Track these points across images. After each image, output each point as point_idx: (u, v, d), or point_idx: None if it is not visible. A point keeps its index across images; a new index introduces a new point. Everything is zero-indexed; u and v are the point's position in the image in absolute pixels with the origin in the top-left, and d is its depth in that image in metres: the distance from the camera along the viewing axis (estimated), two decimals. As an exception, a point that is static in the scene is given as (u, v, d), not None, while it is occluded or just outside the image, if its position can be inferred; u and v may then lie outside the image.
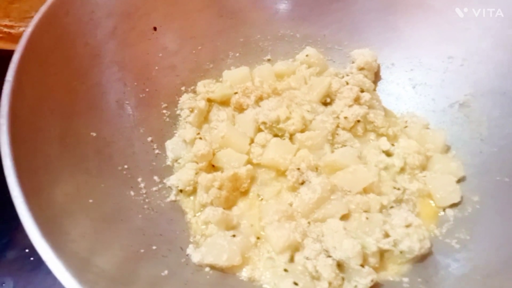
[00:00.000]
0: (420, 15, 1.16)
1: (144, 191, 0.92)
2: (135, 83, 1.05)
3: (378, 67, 1.23)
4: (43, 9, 0.87)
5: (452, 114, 1.10)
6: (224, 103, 1.15)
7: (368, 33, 1.25)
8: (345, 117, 1.07)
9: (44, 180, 0.71)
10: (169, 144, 1.04)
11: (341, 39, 1.28)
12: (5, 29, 1.37)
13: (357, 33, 1.26)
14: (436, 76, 1.15)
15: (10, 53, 0.78)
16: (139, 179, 0.93)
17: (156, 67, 1.11)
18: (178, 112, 1.12)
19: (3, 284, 0.97)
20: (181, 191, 0.96)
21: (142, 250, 0.77)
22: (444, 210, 0.96)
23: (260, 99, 1.12)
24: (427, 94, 1.16)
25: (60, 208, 0.70)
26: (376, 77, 1.23)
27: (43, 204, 0.66)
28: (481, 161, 0.99)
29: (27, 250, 0.99)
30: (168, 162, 1.02)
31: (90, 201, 0.76)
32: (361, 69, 1.18)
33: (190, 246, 0.86)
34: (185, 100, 1.11)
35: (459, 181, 0.99)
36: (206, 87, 1.14)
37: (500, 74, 1.03)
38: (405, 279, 0.84)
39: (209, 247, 0.84)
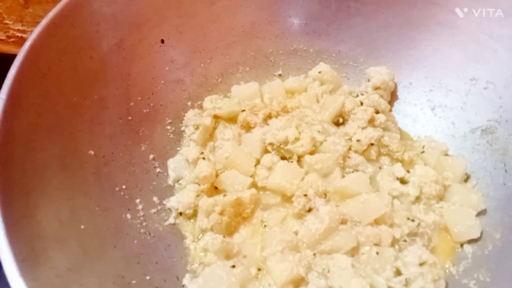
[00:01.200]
0: (444, 33, 1.09)
1: (141, 213, 0.88)
2: (140, 98, 1.02)
3: (395, 86, 1.16)
4: (45, 20, 0.84)
5: (474, 140, 1.03)
6: (231, 120, 1.10)
7: (387, 50, 1.18)
8: (358, 140, 1.01)
9: (37, 205, 0.68)
10: (171, 162, 0.99)
11: (357, 55, 1.22)
12: (18, 34, 1.36)
13: (375, 50, 1.20)
14: (457, 98, 1.08)
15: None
16: (137, 201, 0.89)
17: (162, 81, 1.08)
18: (183, 128, 1.08)
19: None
20: (180, 214, 0.91)
21: (134, 281, 0.72)
22: (462, 246, 0.89)
23: (268, 117, 1.07)
24: (447, 117, 1.09)
25: (51, 238, 0.66)
26: (393, 97, 1.17)
27: (29, 234, 0.62)
28: (505, 194, 0.92)
29: None
30: (170, 182, 0.98)
31: (82, 227, 0.72)
32: (377, 88, 1.12)
33: (187, 275, 0.81)
34: (191, 116, 1.07)
35: (479, 214, 0.92)
36: (213, 103, 1.10)
37: (527, 100, 0.95)
38: (417, 324, 0.78)
39: (206, 278, 0.79)
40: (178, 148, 1.05)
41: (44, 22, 0.84)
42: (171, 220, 0.91)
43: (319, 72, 1.17)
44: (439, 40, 1.10)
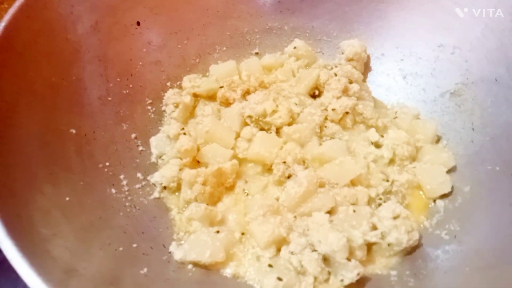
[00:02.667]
0: (411, 3, 1.13)
1: (126, 188, 0.90)
2: (118, 79, 1.04)
3: (368, 57, 1.20)
4: (18, 2, 0.86)
5: (443, 103, 1.07)
6: (211, 98, 1.13)
7: (358, 23, 1.22)
8: (333, 109, 1.04)
9: (19, 178, 0.70)
10: (153, 140, 1.02)
11: (330, 30, 1.25)
12: (-6, 30, 1.35)
13: (347, 24, 1.24)
14: (426, 65, 1.12)
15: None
16: (121, 177, 0.91)
17: (140, 63, 1.10)
18: (163, 108, 1.10)
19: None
20: (165, 188, 0.94)
21: (121, 248, 0.75)
22: (434, 201, 0.94)
23: (247, 93, 1.10)
24: (418, 84, 1.13)
25: (35, 208, 0.68)
26: (366, 68, 1.21)
27: (14, 204, 0.64)
28: (473, 151, 0.96)
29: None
30: (153, 159, 1.00)
31: (67, 199, 0.74)
32: (350, 60, 1.16)
33: (173, 243, 0.84)
34: (170, 95, 1.09)
35: (450, 171, 0.96)
36: (192, 82, 1.12)
37: (491, 61, 1.00)
38: (393, 272, 0.82)
39: (192, 244, 0.82)
40: (160, 128, 1.07)
41: (17, 3, 0.85)
42: (156, 195, 0.94)
43: (294, 48, 1.20)
44: (407, 10, 1.14)
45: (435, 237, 0.86)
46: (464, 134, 1.00)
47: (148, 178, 0.96)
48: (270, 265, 0.81)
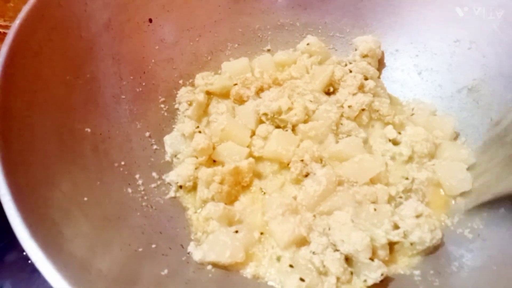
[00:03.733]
0: (425, -3, 1.12)
1: (142, 188, 0.89)
2: (132, 77, 1.02)
3: (382, 54, 1.19)
4: (32, 0, 0.84)
5: (461, 99, 1.06)
6: (224, 95, 1.11)
7: (372, 19, 1.21)
8: (349, 106, 1.03)
9: (38, 177, 0.68)
10: (167, 139, 1.00)
11: (343, 26, 1.24)
12: (0, 30, 1.34)
13: (360, 20, 1.22)
14: (442, 60, 1.11)
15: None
16: (137, 176, 0.90)
17: (153, 60, 1.08)
18: (176, 106, 1.09)
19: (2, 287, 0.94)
20: (180, 187, 0.93)
21: (140, 249, 0.74)
22: (455, 199, 0.92)
23: (260, 90, 1.09)
24: (434, 80, 1.12)
25: (55, 207, 0.67)
26: (380, 64, 1.19)
27: (35, 203, 0.63)
28: (492, 147, 0.95)
29: (25, 253, 0.97)
30: (167, 158, 0.99)
31: (85, 199, 0.73)
32: (365, 56, 1.14)
33: (191, 243, 0.83)
34: (183, 93, 1.08)
35: (470, 168, 0.95)
36: (204, 80, 1.11)
37: (510, 56, 0.98)
38: (417, 272, 0.81)
39: (211, 244, 0.81)
40: (173, 126, 1.06)
41: (31, 1, 0.83)
42: (172, 194, 0.92)
43: (307, 44, 1.18)
44: (421, 5, 1.13)
45: (458, 235, 0.84)
46: (483, 130, 0.99)
47: (164, 177, 0.95)
48: (291, 266, 0.80)
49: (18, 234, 0.54)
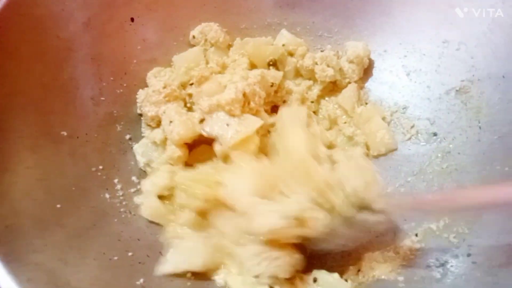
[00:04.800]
0: (415, -3, 1.10)
1: (121, 192, 0.87)
2: (112, 78, 0.99)
3: (370, 62, 1.15)
4: (6, -1, 0.82)
5: (449, 101, 1.04)
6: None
7: (361, 19, 1.18)
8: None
9: (9, 185, 0.66)
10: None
11: (331, 26, 1.21)
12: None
13: (349, 20, 1.19)
14: (431, 61, 1.09)
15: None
16: (116, 180, 0.88)
17: (135, 61, 1.05)
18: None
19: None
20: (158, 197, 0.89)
21: (116, 258, 0.72)
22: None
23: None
24: (422, 81, 1.10)
25: (25, 216, 0.64)
26: (368, 66, 1.16)
27: (4, 211, 0.60)
28: (480, 150, 0.93)
29: None
30: (140, 166, 0.94)
31: (59, 206, 0.71)
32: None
33: (171, 250, 0.80)
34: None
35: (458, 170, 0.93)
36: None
37: (498, 57, 0.97)
38: (401, 278, 0.79)
39: (181, 252, 0.78)
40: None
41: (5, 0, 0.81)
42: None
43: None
44: (411, 5, 1.10)
45: (443, 240, 0.83)
46: (471, 133, 0.97)
47: (139, 186, 0.90)
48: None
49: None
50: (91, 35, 0.97)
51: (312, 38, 1.22)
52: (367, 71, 1.16)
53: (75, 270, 0.63)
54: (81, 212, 0.75)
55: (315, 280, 0.76)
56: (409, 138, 1.04)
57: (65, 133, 0.83)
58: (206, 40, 1.10)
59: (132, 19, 1.05)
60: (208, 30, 1.11)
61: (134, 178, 0.91)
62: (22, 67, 0.81)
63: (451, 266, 0.77)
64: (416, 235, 0.86)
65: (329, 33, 1.22)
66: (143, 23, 1.07)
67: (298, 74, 1.15)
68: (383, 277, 0.80)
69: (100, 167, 0.87)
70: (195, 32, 1.11)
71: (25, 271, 0.54)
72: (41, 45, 0.86)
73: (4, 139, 0.71)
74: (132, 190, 0.89)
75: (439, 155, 0.98)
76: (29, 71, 0.82)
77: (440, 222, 0.87)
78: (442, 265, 0.78)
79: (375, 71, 1.17)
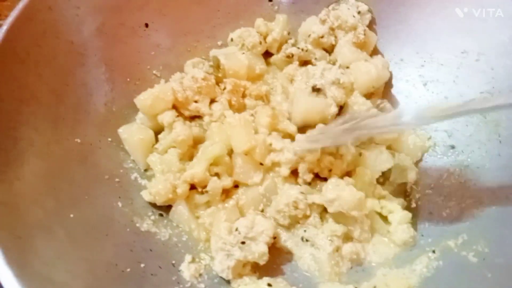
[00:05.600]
0: (433, 6, 1.07)
1: (134, 201, 0.85)
2: (125, 84, 0.98)
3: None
4: (22, 3, 0.81)
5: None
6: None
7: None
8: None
9: (20, 195, 0.65)
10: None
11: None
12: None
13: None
14: (449, 72, 1.06)
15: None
16: (128, 188, 0.86)
17: (148, 66, 1.04)
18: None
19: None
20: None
21: (128, 269, 0.70)
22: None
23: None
24: (439, 92, 1.08)
25: (38, 227, 0.63)
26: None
27: (15, 223, 0.59)
28: (500, 164, 0.91)
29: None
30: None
31: (71, 215, 0.69)
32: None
33: (185, 261, 0.79)
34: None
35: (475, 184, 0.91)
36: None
37: (519, 69, 0.94)
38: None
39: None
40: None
41: (20, 5, 0.80)
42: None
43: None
44: (429, 13, 1.08)
45: (462, 259, 0.80)
46: (490, 147, 0.94)
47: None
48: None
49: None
50: (104, 40, 0.96)
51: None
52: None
53: (87, 284, 0.61)
54: (93, 221, 0.74)
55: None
56: (426, 150, 1.02)
57: (78, 140, 0.82)
58: (243, 44, 1.10)
59: (147, 25, 1.04)
60: (247, 35, 1.10)
61: (147, 186, 0.90)
62: (34, 73, 0.80)
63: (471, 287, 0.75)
64: (434, 251, 0.84)
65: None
66: (157, 28, 1.06)
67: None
68: (397, 294, 0.78)
69: (113, 173, 0.85)
70: (234, 35, 1.11)
71: (37, 285, 0.52)
72: (54, 50, 0.85)
73: (14, 146, 0.70)
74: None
75: (457, 169, 0.96)
76: (42, 77, 0.81)
77: (458, 239, 0.84)
78: (461, 285, 0.76)
79: (390, 80, 1.15)
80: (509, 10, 0.96)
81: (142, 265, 0.74)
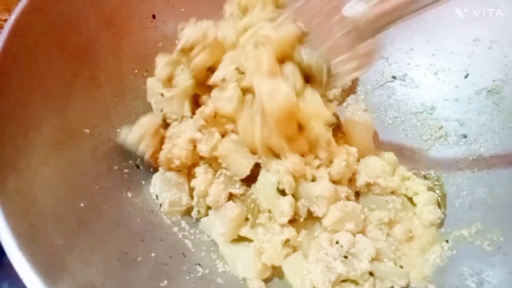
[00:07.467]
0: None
1: (143, 191, 0.85)
2: (133, 75, 0.98)
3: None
4: (29, -5, 0.80)
5: (479, 102, 1.00)
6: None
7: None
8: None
9: (30, 184, 0.65)
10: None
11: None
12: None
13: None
14: (460, 60, 1.05)
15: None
16: (138, 179, 0.86)
17: (156, 58, 1.04)
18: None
19: (-1, 290, 0.91)
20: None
21: (139, 259, 0.70)
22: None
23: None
24: (450, 81, 1.06)
25: (49, 216, 0.63)
26: (393, 63, 1.12)
27: (25, 212, 0.59)
28: (514, 153, 0.89)
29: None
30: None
31: (82, 205, 0.69)
32: None
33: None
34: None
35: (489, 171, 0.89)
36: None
37: (534, 56, 0.92)
38: (431, 286, 0.76)
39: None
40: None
41: (27, -4, 0.80)
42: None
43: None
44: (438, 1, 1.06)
45: (477, 248, 0.79)
46: (504, 135, 0.93)
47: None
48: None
49: (5, 246, 0.51)
50: (112, 31, 0.95)
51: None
52: (392, 69, 1.12)
53: (99, 272, 0.61)
54: (104, 211, 0.74)
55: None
56: (438, 139, 1.01)
57: (87, 131, 0.82)
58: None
59: (154, 16, 1.03)
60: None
61: (157, 176, 0.89)
62: (42, 63, 0.79)
63: (487, 275, 0.73)
64: (447, 241, 0.83)
65: (352, 31, 1.18)
66: (165, 19, 1.05)
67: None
68: (413, 284, 0.77)
69: (123, 164, 0.85)
70: None
71: (52, 272, 0.52)
72: (62, 41, 0.85)
73: (24, 135, 0.70)
74: (155, 188, 0.87)
75: (470, 158, 0.94)
76: (50, 67, 0.81)
77: (472, 228, 0.83)
78: (477, 274, 0.74)
79: (400, 69, 1.14)
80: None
81: (153, 255, 0.73)
